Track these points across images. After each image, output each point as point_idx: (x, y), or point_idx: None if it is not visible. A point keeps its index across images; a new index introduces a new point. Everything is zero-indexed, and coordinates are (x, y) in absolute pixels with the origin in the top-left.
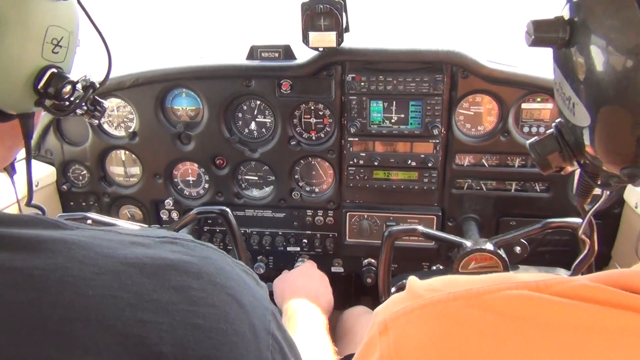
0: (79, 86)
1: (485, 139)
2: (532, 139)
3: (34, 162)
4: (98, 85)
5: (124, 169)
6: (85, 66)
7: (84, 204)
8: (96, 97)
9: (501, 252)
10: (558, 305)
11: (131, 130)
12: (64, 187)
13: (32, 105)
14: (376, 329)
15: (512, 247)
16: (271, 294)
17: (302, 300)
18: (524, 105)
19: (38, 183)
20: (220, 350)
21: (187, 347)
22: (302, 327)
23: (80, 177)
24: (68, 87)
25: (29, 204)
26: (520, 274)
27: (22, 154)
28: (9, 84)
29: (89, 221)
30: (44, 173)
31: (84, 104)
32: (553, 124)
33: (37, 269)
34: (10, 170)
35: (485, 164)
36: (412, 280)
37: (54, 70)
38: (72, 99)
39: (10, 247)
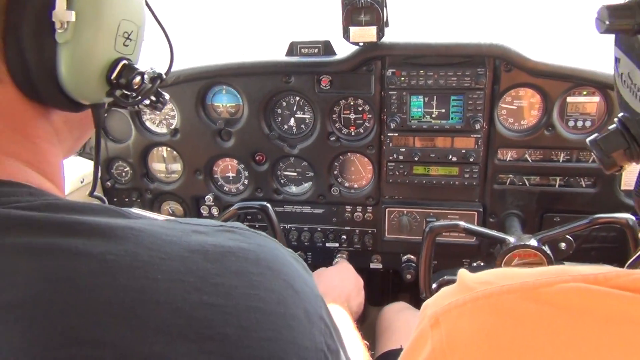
0: (147, 77)
1: (528, 133)
2: (594, 136)
3: (79, 159)
4: (164, 77)
5: (165, 165)
6: (146, 60)
7: (127, 200)
8: (158, 88)
9: (546, 248)
10: (619, 298)
11: (173, 127)
12: (108, 183)
13: (103, 96)
14: (427, 322)
15: (557, 244)
16: None
17: (334, 300)
18: (569, 99)
19: (83, 179)
20: (280, 333)
21: (250, 330)
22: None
23: (124, 174)
24: (138, 78)
25: (91, 194)
26: (575, 267)
27: None
28: (85, 76)
29: None
30: (89, 170)
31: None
32: (616, 119)
33: (110, 253)
34: None
35: (529, 158)
36: (463, 273)
37: (125, 62)
38: (140, 89)
39: (85, 233)
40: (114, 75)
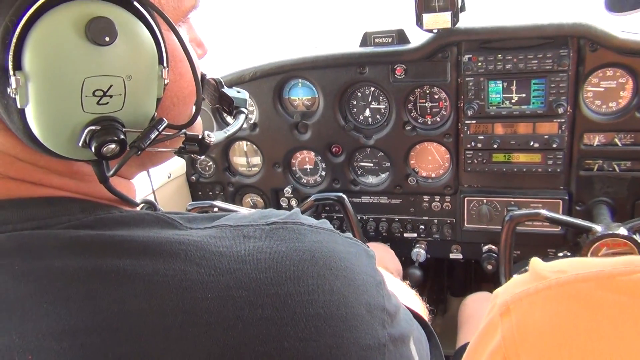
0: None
1: (618, 116)
2: None
3: None
4: (144, 146)
5: (246, 159)
6: None
7: (210, 193)
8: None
9: (637, 237)
10: None
11: (252, 121)
12: (193, 177)
13: (92, 155)
14: (497, 311)
15: None
16: None
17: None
18: None
19: (170, 174)
20: (341, 337)
21: (309, 339)
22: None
23: (207, 168)
24: (110, 146)
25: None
26: None
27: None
28: (59, 140)
29: (216, 209)
30: (176, 166)
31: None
32: None
33: (158, 274)
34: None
35: (619, 143)
36: (536, 262)
37: (93, 127)
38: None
39: (133, 252)
40: (81, 142)
